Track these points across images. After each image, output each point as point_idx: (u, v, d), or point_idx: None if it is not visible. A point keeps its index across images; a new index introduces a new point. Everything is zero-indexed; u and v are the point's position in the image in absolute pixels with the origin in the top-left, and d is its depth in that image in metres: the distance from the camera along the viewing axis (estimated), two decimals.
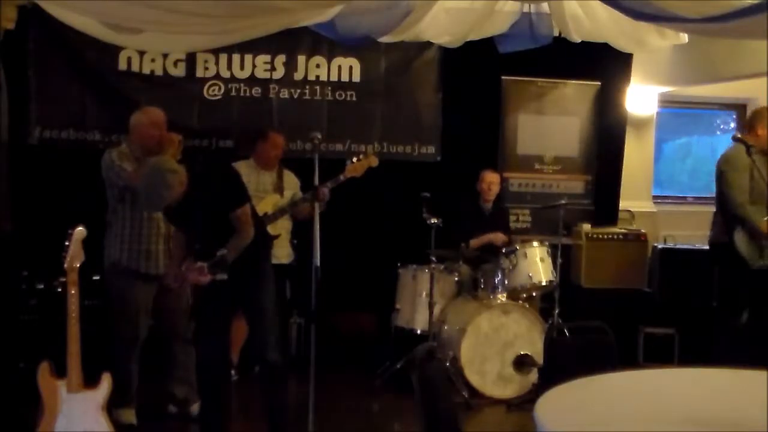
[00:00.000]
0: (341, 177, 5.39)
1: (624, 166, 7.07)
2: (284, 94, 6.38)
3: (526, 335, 5.47)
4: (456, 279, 5.91)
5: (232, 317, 4.28)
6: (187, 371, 4.83)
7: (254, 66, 6.32)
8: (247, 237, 3.94)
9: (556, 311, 5.87)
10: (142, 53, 6.08)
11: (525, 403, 5.17)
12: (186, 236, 4.20)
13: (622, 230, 6.85)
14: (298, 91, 6.40)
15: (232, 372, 5.67)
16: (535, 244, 5.93)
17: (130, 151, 4.62)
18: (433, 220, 5.60)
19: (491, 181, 6.25)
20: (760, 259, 5.08)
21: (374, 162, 5.58)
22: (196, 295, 4.64)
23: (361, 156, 5.57)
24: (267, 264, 4.28)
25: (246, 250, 3.94)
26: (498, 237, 6.20)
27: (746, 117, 5.98)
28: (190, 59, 6.18)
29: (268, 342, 4.12)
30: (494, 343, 5.43)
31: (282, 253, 5.68)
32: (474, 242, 6.12)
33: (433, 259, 5.61)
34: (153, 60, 6.12)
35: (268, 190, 5.64)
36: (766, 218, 5.05)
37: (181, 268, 4.03)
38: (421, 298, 5.66)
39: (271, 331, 4.14)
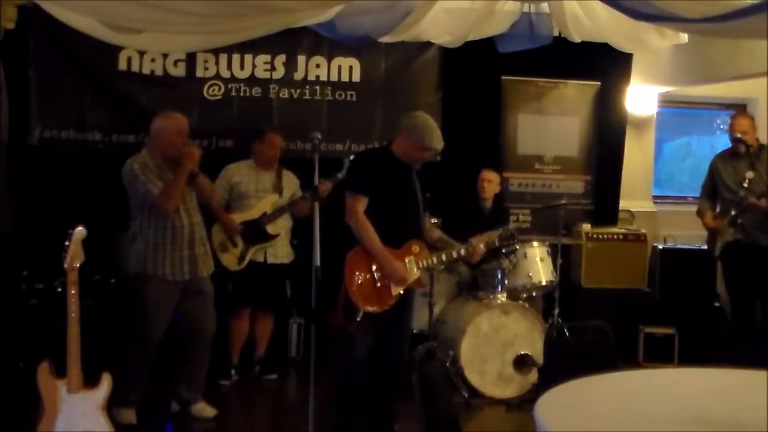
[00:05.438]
0: (339, 176, 5.39)
1: (624, 166, 7.07)
2: (284, 94, 6.38)
3: (526, 335, 5.47)
4: (456, 279, 5.91)
5: None
6: (196, 373, 4.84)
7: (254, 66, 6.32)
8: None
9: (556, 311, 5.88)
10: (142, 53, 6.08)
11: (525, 403, 5.17)
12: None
13: (622, 230, 6.85)
14: (298, 91, 6.40)
15: (232, 372, 5.69)
16: (535, 244, 5.92)
17: (151, 160, 4.59)
18: (433, 220, 5.59)
19: (484, 178, 6.18)
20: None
21: None
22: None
23: None
24: None
25: None
26: (493, 234, 6.15)
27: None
28: (190, 59, 6.18)
29: None
30: (494, 343, 5.43)
31: (282, 252, 5.69)
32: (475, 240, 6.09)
33: None
34: (153, 60, 6.12)
35: (268, 190, 5.65)
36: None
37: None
38: (420, 298, 5.65)
39: None
